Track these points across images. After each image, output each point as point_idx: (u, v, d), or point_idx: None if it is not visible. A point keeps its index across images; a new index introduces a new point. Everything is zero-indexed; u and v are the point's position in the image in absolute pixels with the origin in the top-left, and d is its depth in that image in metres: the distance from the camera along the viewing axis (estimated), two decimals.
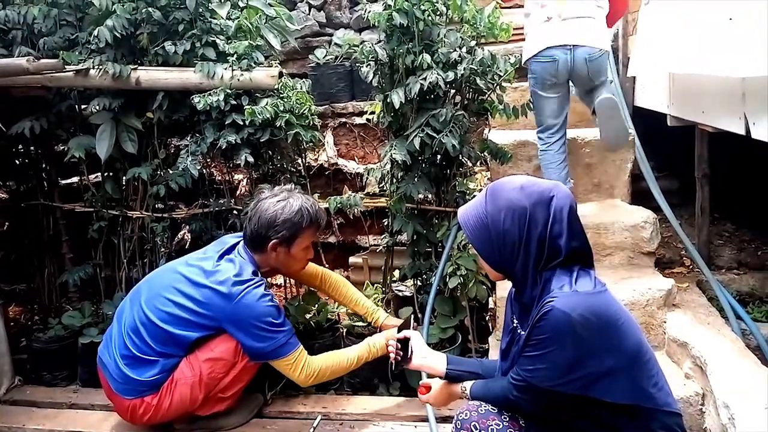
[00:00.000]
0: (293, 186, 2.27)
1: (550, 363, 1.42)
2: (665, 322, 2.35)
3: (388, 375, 2.44)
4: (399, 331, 1.99)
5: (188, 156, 2.46)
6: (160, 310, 2.09)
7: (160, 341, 2.09)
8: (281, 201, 2.12)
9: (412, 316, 2.21)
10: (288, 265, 2.22)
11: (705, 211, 2.91)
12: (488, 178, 3.10)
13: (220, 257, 2.16)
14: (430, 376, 1.92)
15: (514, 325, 1.61)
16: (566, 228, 1.48)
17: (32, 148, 2.95)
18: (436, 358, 1.82)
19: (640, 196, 2.96)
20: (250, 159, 2.44)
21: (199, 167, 2.54)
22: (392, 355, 1.93)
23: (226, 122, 2.46)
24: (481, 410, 1.62)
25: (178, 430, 2.25)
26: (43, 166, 2.97)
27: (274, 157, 2.62)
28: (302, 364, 2.12)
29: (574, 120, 3.25)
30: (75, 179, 3.14)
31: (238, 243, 2.22)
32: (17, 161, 3.00)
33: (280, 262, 2.18)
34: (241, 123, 2.43)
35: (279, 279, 2.93)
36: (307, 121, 2.56)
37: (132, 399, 2.12)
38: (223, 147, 2.42)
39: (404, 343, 1.90)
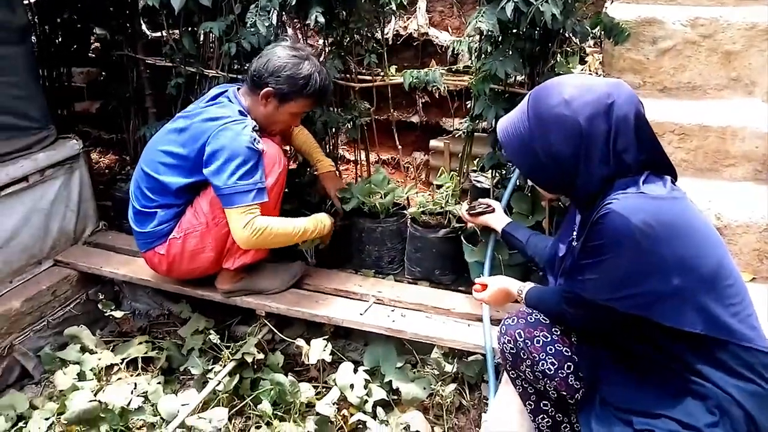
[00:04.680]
0: (316, 50, 2.14)
1: (603, 273, 1.21)
2: None
3: (450, 267, 2.29)
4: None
5: (257, 11, 2.26)
6: (153, 161, 2.15)
7: (156, 192, 2.15)
8: (296, 57, 2.08)
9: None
10: (271, 122, 2.16)
11: None
12: (600, 62, 2.65)
13: (206, 104, 2.15)
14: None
15: (572, 238, 1.39)
16: (634, 140, 1.20)
17: None
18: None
19: None
20: (321, 19, 2.19)
21: (268, 24, 2.33)
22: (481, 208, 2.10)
23: None
24: (531, 319, 1.47)
25: (221, 291, 2.30)
26: (127, 14, 2.91)
27: (351, 20, 2.35)
28: (250, 220, 1.99)
29: None
30: (163, 33, 3.08)
31: (224, 92, 2.17)
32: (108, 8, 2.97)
33: (266, 114, 2.13)
34: None
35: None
36: None
37: (145, 252, 2.24)
38: (293, 2, 2.18)
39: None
